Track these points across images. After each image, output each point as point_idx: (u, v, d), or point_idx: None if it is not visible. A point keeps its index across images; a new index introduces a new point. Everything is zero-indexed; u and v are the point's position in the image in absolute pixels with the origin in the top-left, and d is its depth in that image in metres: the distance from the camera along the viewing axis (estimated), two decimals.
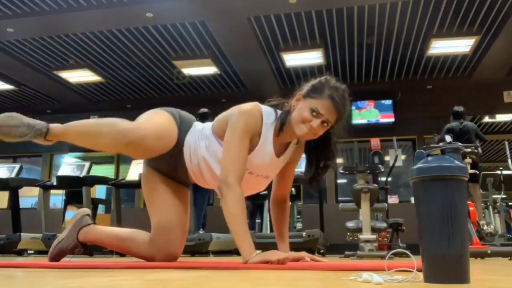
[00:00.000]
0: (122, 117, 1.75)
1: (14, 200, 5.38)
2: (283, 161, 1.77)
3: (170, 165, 1.82)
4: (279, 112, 1.69)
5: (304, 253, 1.68)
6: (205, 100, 8.15)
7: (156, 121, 1.77)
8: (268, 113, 1.68)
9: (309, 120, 1.59)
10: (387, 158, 6.88)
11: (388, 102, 7.76)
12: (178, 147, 1.79)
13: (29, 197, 8.23)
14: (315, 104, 1.59)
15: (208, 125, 1.81)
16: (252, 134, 1.65)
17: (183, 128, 1.81)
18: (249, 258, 1.46)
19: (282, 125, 1.66)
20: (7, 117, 1.70)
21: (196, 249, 4.51)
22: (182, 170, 1.82)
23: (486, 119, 8.74)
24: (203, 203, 5.34)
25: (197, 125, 1.86)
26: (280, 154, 1.73)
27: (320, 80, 1.64)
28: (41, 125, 1.72)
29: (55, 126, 1.74)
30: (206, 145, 1.74)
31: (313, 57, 6.66)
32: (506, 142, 7.15)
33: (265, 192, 5.36)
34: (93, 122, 1.81)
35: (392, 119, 7.68)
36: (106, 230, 1.85)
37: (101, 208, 8.28)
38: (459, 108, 5.65)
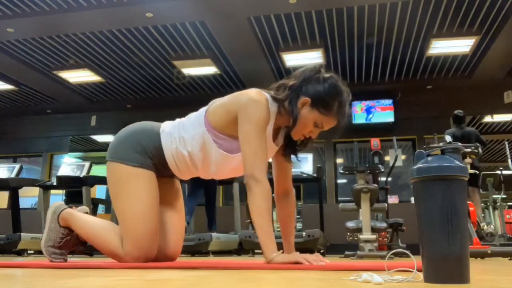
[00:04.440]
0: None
1: (14, 200, 5.38)
2: (276, 147, 1.75)
3: (157, 170, 1.77)
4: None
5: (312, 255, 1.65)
6: (205, 100, 8.06)
7: (135, 210, 1.70)
8: (271, 100, 1.65)
9: (310, 131, 1.63)
10: (387, 158, 6.87)
11: (388, 102, 7.76)
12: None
13: (29, 197, 8.22)
14: (321, 120, 1.61)
15: (187, 122, 1.77)
16: (267, 123, 1.62)
17: (151, 150, 1.73)
18: (272, 257, 1.46)
19: (294, 121, 1.63)
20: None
21: (196, 249, 4.52)
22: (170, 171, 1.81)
23: (486, 119, 8.73)
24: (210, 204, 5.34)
25: (165, 127, 1.78)
26: (274, 139, 1.72)
27: (331, 93, 1.60)
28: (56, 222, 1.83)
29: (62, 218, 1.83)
30: (199, 147, 1.69)
31: (313, 57, 6.65)
32: (506, 142, 7.15)
33: None
34: (93, 232, 1.82)
35: (392, 119, 7.68)
36: (81, 215, 1.85)
37: (101, 208, 8.27)
38: (459, 113, 5.65)
